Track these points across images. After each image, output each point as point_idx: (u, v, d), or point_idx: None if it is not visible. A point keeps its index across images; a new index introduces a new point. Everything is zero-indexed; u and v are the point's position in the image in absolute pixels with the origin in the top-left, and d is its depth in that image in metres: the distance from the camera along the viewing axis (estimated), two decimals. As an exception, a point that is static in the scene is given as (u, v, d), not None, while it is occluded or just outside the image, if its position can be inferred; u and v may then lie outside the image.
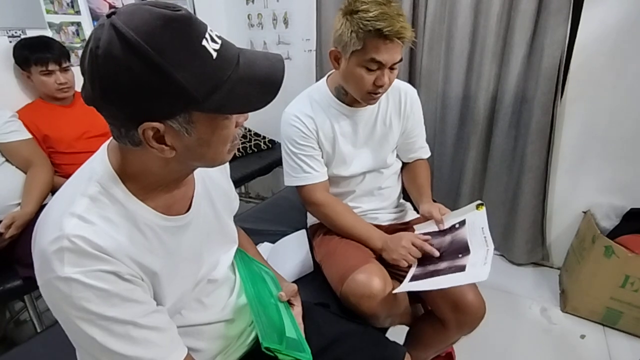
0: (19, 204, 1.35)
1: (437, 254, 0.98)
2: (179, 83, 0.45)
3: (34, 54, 1.47)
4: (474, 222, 1.02)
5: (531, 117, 1.66)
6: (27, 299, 1.35)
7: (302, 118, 1.08)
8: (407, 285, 0.95)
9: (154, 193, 0.57)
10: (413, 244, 1.00)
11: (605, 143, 1.62)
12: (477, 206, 1.05)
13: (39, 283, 0.50)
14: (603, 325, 1.56)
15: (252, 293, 0.74)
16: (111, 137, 0.54)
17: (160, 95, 0.45)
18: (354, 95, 1.04)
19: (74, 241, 0.47)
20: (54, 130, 1.53)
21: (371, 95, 1.00)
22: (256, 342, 0.77)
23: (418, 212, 1.20)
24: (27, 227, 1.28)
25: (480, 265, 0.89)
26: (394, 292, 0.93)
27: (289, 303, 0.81)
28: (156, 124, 0.47)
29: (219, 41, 0.49)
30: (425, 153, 1.27)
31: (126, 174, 0.54)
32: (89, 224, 0.49)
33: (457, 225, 1.04)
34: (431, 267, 0.98)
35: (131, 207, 0.54)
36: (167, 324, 0.57)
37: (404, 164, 1.29)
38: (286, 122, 1.10)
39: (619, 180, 1.64)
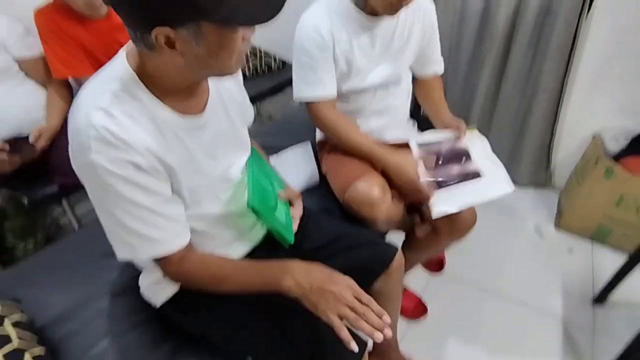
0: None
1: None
2: None
3: None
4: (472, 137, 1.07)
5: (552, 32, 1.57)
6: (65, 204, 1.50)
7: (320, 29, 1.02)
8: (443, 203, 1.00)
9: (170, 96, 0.63)
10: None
11: (626, 61, 1.55)
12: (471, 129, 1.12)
13: (75, 164, 0.59)
14: (592, 240, 1.67)
15: (254, 166, 0.81)
16: (128, 43, 0.59)
17: (171, 2, 0.49)
18: (375, 4, 0.98)
19: (99, 131, 0.55)
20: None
21: (394, 6, 0.96)
22: (269, 232, 0.87)
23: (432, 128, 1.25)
24: (57, 139, 1.37)
25: (494, 172, 1.01)
26: (434, 216, 1.00)
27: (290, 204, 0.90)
28: (167, 30, 0.51)
29: None
30: (440, 67, 1.26)
31: (145, 75, 0.59)
32: (112, 117, 0.56)
33: (454, 138, 1.11)
34: (441, 177, 1.06)
35: (150, 105, 0.60)
36: (177, 215, 0.67)
37: (417, 82, 1.28)
38: (302, 31, 1.05)
39: (633, 101, 1.60)
